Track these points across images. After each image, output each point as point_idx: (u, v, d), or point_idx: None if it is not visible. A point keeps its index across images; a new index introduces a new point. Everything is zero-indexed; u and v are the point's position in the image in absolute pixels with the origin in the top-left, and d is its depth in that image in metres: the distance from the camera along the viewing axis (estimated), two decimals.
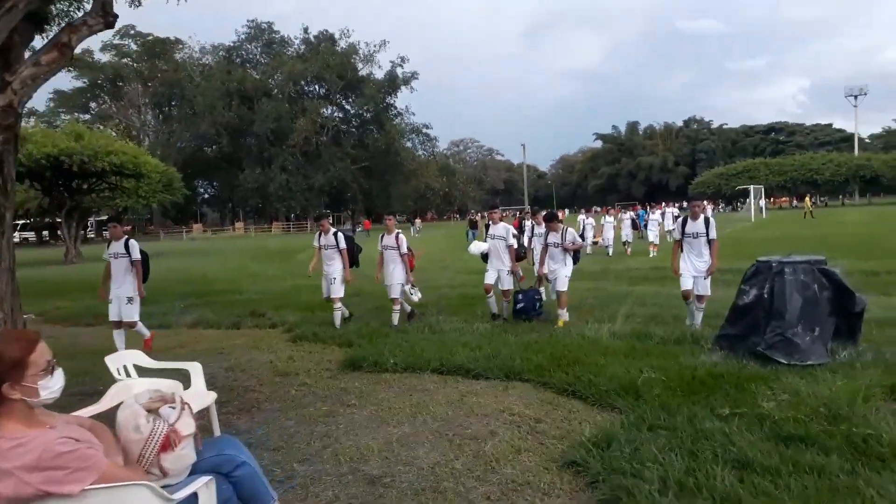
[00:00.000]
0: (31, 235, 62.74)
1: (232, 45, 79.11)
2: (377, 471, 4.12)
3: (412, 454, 4.39)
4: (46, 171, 30.28)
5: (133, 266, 8.11)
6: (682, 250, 8.15)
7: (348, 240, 9.82)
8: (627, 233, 23.52)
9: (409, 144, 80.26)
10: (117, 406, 3.51)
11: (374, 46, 74.93)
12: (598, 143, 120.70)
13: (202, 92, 71.36)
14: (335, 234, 9.55)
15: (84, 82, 77.31)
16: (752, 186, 54.92)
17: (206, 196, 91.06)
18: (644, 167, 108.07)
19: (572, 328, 8.23)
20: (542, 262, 9.24)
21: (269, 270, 19.90)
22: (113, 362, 4.21)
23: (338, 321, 9.38)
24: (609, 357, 6.45)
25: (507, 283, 9.39)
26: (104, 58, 77.58)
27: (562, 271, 9.01)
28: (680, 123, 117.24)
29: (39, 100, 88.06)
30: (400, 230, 9.72)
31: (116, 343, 7.99)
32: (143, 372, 4.56)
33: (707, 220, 8.12)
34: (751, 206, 52.21)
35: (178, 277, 18.33)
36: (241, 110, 70.66)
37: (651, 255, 20.52)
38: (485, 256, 9.77)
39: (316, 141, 70.29)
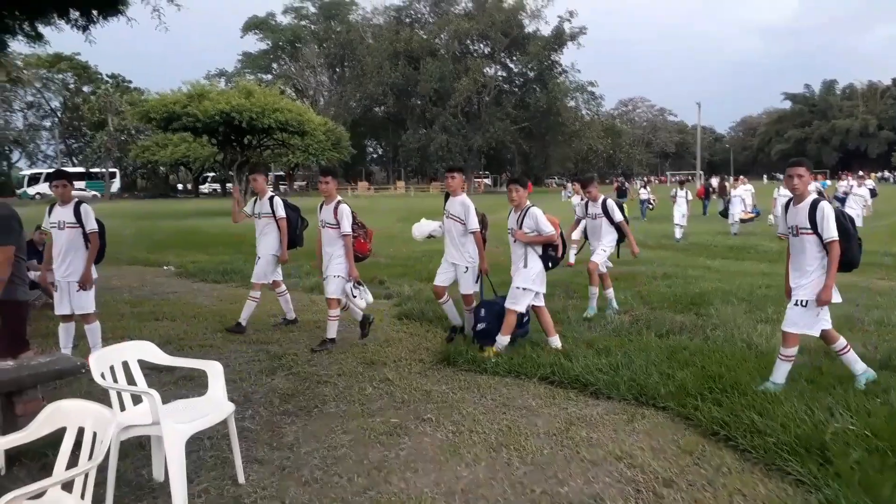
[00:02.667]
0: (218, 187, 68.44)
1: (402, 4, 79.80)
2: None
3: None
4: (219, 127, 32.06)
5: (88, 240, 5.75)
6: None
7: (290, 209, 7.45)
8: None
9: (572, 104, 76.62)
10: (50, 434, 2.60)
11: (542, 1, 71.94)
12: (787, 105, 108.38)
13: (371, 52, 72.86)
14: (271, 200, 7.27)
15: (267, 44, 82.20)
16: None
17: (375, 155, 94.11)
18: (839, 131, 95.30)
19: (735, 332, 6.41)
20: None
21: (407, 232, 19.29)
22: (102, 360, 3.31)
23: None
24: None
25: (466, 286, 6.44)
26: (285, 20, 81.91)
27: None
28: (888, 82, 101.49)
29: (229, 61, 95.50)
30: (341, 199, 6.56)
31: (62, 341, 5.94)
32: (148, 370, 3.67)
33: (814, 208, 4.54)
34: None
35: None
36: (406, 70, 71.26)
37: None
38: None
39: (477, 101, 69.32)
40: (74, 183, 6.47)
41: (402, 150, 74.50)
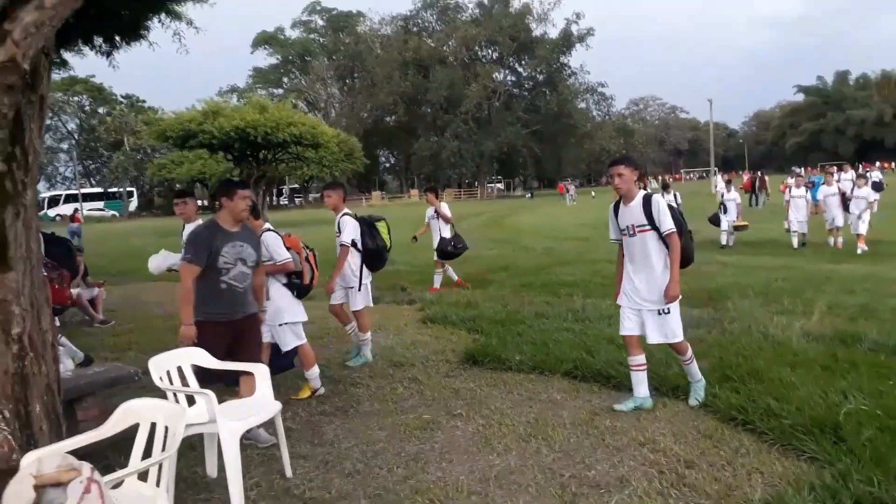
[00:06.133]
0: None
1: (409, 13, 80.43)
2: None
3: (510, 502, 3.36)
4: (235, 143, 32.55)
5: None
6: None
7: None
8: (835, 213, 13.71)
9: (582, 105, 76.85)
10: (125, 431, 2.88)
11: (549, 4, 72.25)
12: (800, 97, 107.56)
13: (380, 63, 73.51)
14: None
15: (277, 59, 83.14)
16: None
17: (387, 165, 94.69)
18: (855, 122, 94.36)
19: (752, 324, 6.58)
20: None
21: (425, 240, 19.56)
22: (159, 365, 3.59)
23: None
24: (799, 371, 4.90)
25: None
26: (294, 34, 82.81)
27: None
28: None
29: (241, 77, 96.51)
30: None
31: None
32: (200, 374, 3.95)
33: (648, 203, 4.48)
34: None
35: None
36: (416, 79, 71.81)
37: (860, 252, 12.65)
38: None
39: (487, 107, 69.70)
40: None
41: (414, 159, 74.93)
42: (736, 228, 15.00)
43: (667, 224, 4.41)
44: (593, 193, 54.18)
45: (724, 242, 14.80)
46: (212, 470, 3.82)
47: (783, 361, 5.14)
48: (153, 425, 2.78)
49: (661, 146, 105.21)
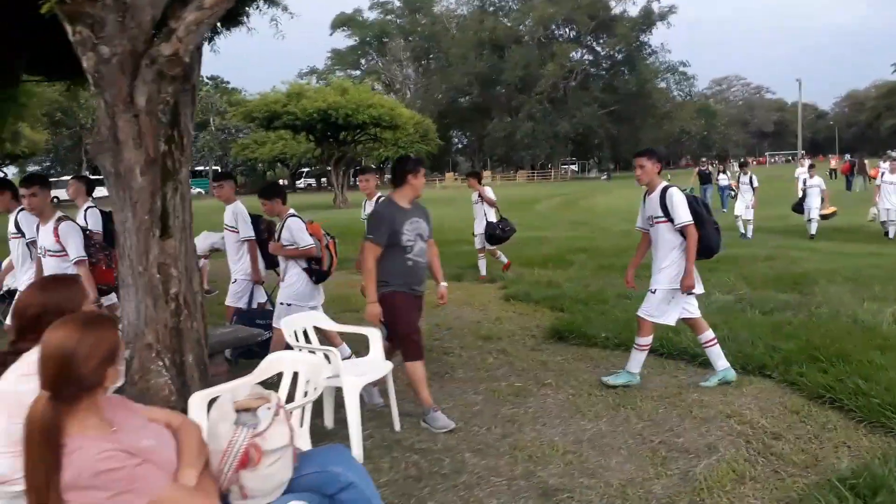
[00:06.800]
0: (312, 182, 71.26)
1: None
2: (555, 480, 3.46)
3: (602, 463, 3.65)
4: (317, 124, 33.63)
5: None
6: None
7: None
8: None
9: (662, 85, 74.83)
10: (270, 378, 3.32)
11: None
12: None
13: (456, 43, 73.63)
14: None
15: (355, 40, 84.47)
16: None
17: (459, 146, 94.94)
18: None
19: (841, 309, 6.56)
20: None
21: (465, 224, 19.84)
22: (289, 325, 4.07)
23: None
24: (889, 354, 4.93)
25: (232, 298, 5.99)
26: (372, 16, 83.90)
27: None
28: None
29: (320, 59, 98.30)
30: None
31: None
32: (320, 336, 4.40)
33: (664, 196, 4.69)
34: None
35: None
36: (491, 59, 71.58)
37: None
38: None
39: (563, 87, 68.83)
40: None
41: (488, 140, 74.87)
42: (823, 217, 14.27)
43: (681, 217, 4.58)
44: (669, 176, 52.49)
45: (811, 233, 14.02)
46: (329, 421, 4.27)
47: (872, 345, 5.17)
48: (295, 374, 3.20)
49: (745, 128, 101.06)
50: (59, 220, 4.79)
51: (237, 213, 5.88)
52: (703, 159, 48.99)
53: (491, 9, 78.78)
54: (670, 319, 4.80)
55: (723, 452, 3.66)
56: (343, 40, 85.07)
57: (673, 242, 4.70)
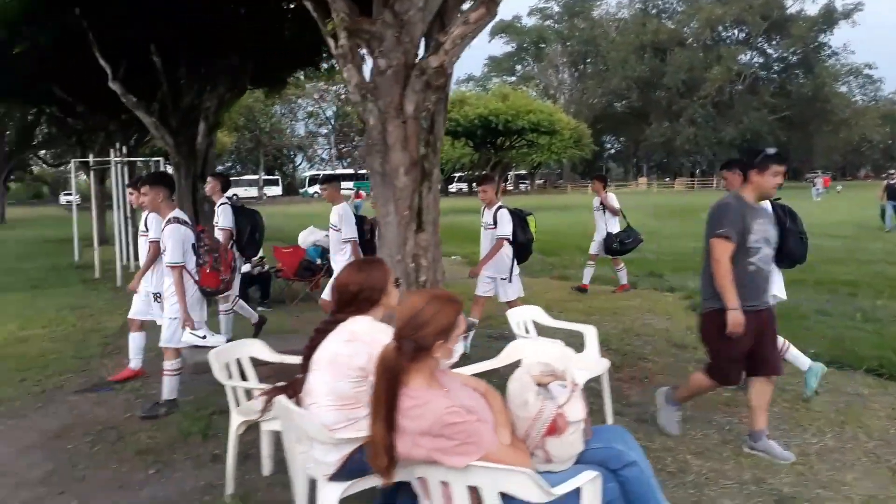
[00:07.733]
0: (464, 186, 72.78)
1: None
2: (789, 489, 3.44)
3: (836, 477, 3.56)
4: (478, 130, 34.49)
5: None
6: None
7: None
8: None
9: (843, 89, 68.52)
10: (511, 365, 3.59)
11: None
12: None
13: (616, 47, 72.17)
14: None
15: (512, 47, 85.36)
16: None
17: (612, 151, 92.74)
18: None
19: None
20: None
21: (666, 229, 19.26)
22: (514, 316, 4.35)
23: None
24: None
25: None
26: (530, 22, 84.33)
27: None
28: None
29: (476, 65, 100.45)
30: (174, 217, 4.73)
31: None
32: (540, 331, 4.64)
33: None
34: None
35: (576, 232, 19.03)
36: (652, 62, 69.43)
37: None
38: None
39: (730, 90, 65.17)
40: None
41: (645, 145, 72.64)
42: None
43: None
44: (839, 188, 47.59)
45: None
46: None
47: None
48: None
49: None
50: (169, 221, 4.71)
51: (342, 214, 6.17)
52: (893, 171, 42.36)
53: (654, 11, 76.40)
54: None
55: None
56: (501, 47, 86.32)
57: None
